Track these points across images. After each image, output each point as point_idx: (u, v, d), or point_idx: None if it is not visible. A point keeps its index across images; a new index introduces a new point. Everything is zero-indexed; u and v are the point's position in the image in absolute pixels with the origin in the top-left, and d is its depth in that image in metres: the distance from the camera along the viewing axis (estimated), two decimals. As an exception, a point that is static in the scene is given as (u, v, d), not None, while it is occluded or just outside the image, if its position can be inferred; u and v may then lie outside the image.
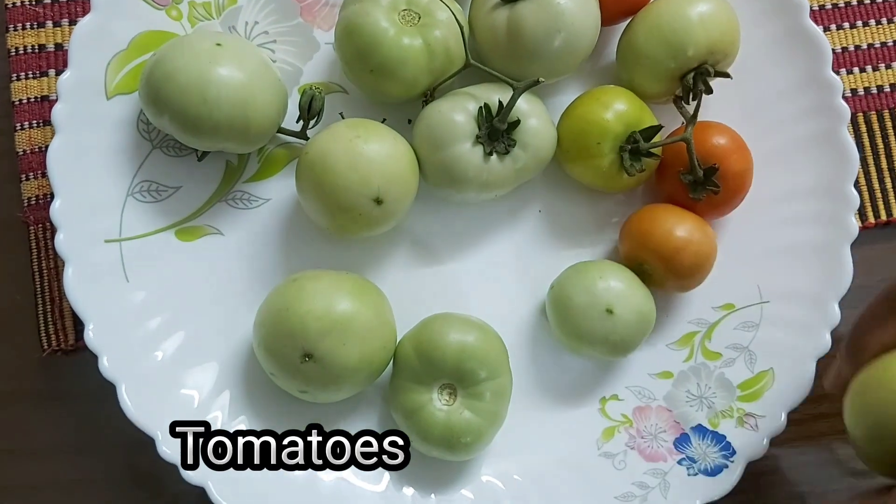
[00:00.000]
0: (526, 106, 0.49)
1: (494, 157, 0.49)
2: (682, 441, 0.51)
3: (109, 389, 0.47)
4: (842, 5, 0.58)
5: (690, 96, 0.51)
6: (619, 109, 0.50)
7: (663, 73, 0.51)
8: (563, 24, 0.48)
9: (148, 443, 0.47)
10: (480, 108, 0.49)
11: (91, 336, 0.47)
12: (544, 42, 0.49)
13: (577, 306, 0.49)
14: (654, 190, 0.54)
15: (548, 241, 0.54)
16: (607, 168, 0.50)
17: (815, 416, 0.54)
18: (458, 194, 0.50)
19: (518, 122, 0.49)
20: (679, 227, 0.50)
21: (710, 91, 0.51)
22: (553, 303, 0.51)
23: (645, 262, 0.51)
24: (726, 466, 0.50)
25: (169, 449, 0.47)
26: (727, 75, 0.51)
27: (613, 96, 0.51)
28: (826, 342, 0.51)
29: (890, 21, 0.58)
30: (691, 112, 0.50)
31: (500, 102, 0.48)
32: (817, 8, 0.58)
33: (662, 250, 0.50)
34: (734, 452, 0.50)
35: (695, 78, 0.50)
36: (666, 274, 0.50)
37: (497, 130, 0.49)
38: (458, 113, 0.49)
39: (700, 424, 0.52)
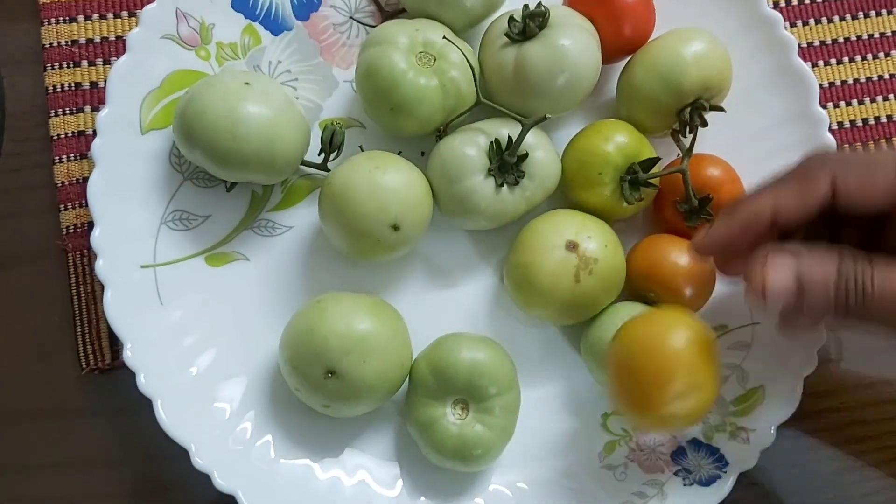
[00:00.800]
0: (533, 139, 0.53)
1: (505, 188, 0.52)
2: (678, 454, 0.55)
3: (141, 405, 0.50)
4: (829, 42, 0.62)
5: (687, 130, 0.54)
6: (619, 142, 0.53)
7: (660, 109, 0.54)
8: (567, 65, 0.52)
9: (176, 457, 0.49)
10: (491, 142, 0.52)
11: (129, 355, 0.50)
12: (549, 80, 0.52)
13: None
14: (653, 218, 0.57)
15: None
16: (609, 196, 0.54)
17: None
18: (472, 223, 0.54)
19: (526, 154, 0.52)
20: (683, 257, 0.53)
21: (705, 124, 0.54)
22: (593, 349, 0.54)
23: (651, 291, 0.54)
24: (719, 477, 0.53)
25: (202, 459, 0.50)
26: (721, 109, 0.54)
27: (614, 129, 0.54)
28: (813, 361, 0.54)
29: (875, 57, 0.62)
30: (687, 145, 0.53)
31: (509, 137, 0.52)
32: (806, 45, 0.62)
33: (669, 282, 0.53)
34: (727, 464, 0.53)
35: (691, 112, 0.54)
36: (671, 302, 0.53)
37: (507, 164, 0.52)
38: (469, 147, 0.52)
39: (695, 438, 0.55)
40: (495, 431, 0.51)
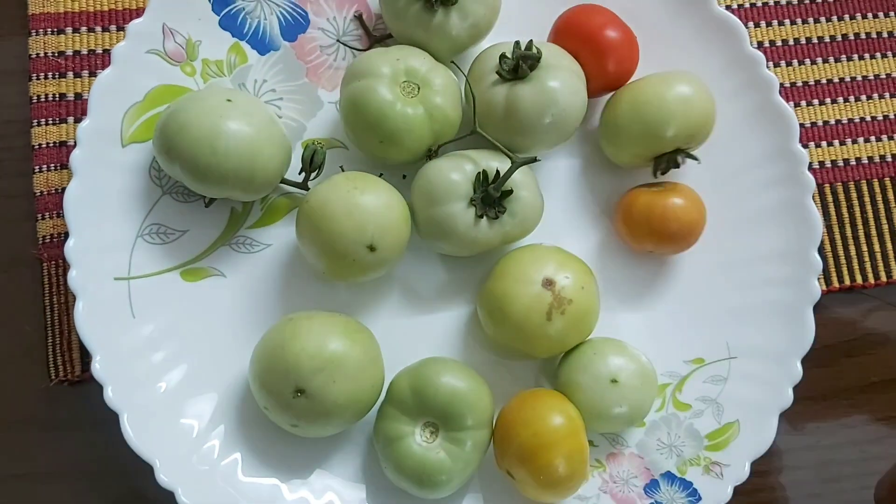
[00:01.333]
0: (520, 178, 0.53)
1: (484, 220, 0.52)
2: (651, 486, 0.54)
3: (110, 419, 0.49)
4: (812, 83, 0.62)
5: (658, 173, 0.55)
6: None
7: (640, 153, 0.55)
8: (556, 108, 0.52)
9: (143, 472, 0.49)
10: (478, 173, 0.52)
11: (98, 367, 0.50)
12: (537, 121, 0.52)
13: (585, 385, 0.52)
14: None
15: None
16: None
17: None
18: (446, 247, 0.54)
19: (511, 191, 0.52)
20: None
21: (677, 166, 0.55)
22: (565, 388, 0.53)
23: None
24: (692, 513, 0.53)
25: (167, 476, 0.49)
26: (696, 159, 0.55)
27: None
28: (788, 397, 0.54)
29: (857, 99, 0.62)
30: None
31: (497, 171, 0.52)
32: (789, 85, 0.62)
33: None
34: (700, 498, 0.53)
35: (667, 161, 0.54)
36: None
37: (490, 196, 0.52)
38: (456, 173, 0.52)
39: (669, 471, 0.54)
40: (458, 464, 0.51)
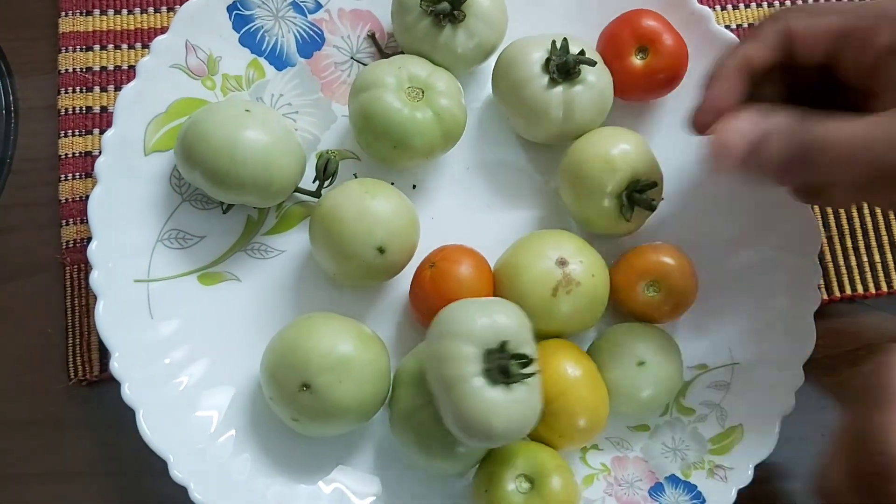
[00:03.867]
0: None
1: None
2: (656, 490, 0.55)
3: (126, 419, 0.51)
4: (810, 100, 0.64)
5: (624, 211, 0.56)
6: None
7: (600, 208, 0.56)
8: (608, 103, 0.57)
9: (158, 472, 0.50)
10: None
11: (116, 365, 0.51)
12: (594, 121, 0.57)
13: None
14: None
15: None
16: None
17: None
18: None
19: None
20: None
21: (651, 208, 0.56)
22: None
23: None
24: (697, 515, 0.54)
25: (180, 472, 0.50)
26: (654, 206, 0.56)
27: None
28: (791, 402, 0.54)
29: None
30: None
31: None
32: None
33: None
34: (704, 501, 0.53)
35: (629, 200, 0.55)
36: None
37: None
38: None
39: (673, 474, 0.55)
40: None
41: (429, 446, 0.51)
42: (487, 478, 0.51)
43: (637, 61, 0.57)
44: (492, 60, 0.58)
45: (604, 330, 0.57)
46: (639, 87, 0.58)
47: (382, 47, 0.60)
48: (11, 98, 0.60)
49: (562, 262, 0.53)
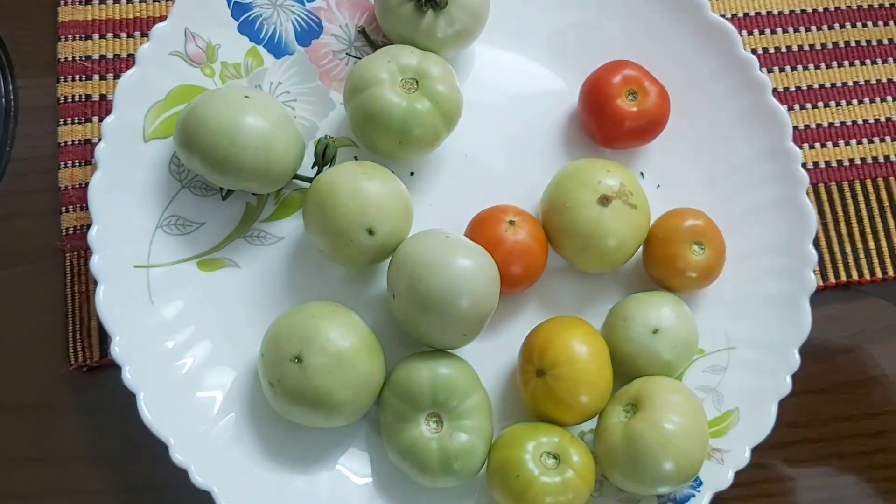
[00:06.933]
0: None
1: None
2: (653, 472, 0.55)
3: (125, 404, 0.51)
4: (804, 88, 0.65)
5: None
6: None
7: None
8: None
9: (157, 457, 0.50)
10: None
11: (116, 349, 0.52)
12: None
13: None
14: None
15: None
16: None
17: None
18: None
19: None
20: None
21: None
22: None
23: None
24: (693, 496, 0.54)
25: (181, 455, 0.51)
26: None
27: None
28: (786, 385, 0.55)
29: (849, 103, 0.65)
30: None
31: None
32: (782, 90, 0.65)
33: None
34: (701, 483, 0.54)
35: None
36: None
37: None
38: None
39: (671, 457, 0.55)
40: (473, 434, 0.52)
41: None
42: (511, 464, 0.51)
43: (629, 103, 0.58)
44: (473, 47, 0.60)
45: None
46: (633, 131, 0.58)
47: (375, 42, 0.61)
48: (11, 87, 0.60)
49: (607, 194, 0.55)
